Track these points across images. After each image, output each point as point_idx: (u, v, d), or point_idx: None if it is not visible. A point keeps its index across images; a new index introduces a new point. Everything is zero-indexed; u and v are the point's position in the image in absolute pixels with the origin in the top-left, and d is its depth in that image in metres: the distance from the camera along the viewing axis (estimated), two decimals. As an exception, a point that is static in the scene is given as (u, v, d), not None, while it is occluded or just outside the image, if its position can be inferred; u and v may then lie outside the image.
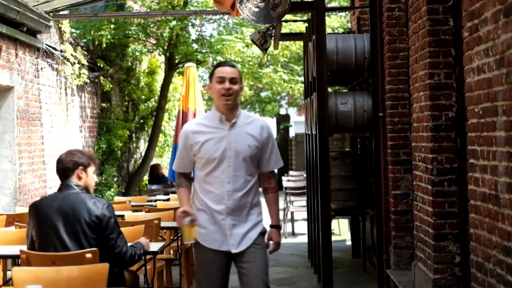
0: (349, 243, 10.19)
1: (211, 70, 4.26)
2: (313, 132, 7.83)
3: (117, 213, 7.30)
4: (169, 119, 16.36)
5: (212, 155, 4.12)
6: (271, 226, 4.31)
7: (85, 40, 12.21)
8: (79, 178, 4.36)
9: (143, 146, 15.75)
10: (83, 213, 4.20)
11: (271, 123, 29.35)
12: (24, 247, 4.43)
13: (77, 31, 12.03)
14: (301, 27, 12.68)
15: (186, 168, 4.33)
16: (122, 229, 5.12)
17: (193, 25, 14.83)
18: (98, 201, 4.29)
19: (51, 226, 4.22)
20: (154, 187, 13.14)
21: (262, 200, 4.34)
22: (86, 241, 4.21)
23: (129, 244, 4.48)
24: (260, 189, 4.38)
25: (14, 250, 4.74)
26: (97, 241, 4.23)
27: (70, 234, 4.20)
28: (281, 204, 15.59)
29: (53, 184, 9.86)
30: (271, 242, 4.28)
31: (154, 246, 4.98)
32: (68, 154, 4.41)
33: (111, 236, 4.27)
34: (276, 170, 4.43)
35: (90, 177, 4.42)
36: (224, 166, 4.12)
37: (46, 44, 9.78)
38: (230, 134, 4.15)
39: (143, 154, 15.14)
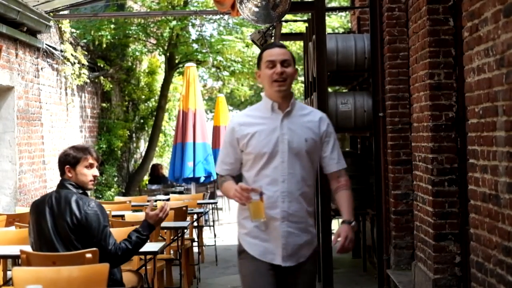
0: (349, 243, 10.17)
1: (258, 55, 3.68)
2: (313, 132, 7.81)
3: (117, 213, 7.36)
4: (169, 119, 16.38)
5: (262, 149, 3.52)
6: (342, 222, 3.59)
7: (85, 40, 12.21)
8: (69, 177, 4.33)
9: (143, 146, 15.76)
10: (66, 215, 4.20)
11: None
12: (24, 247, 4.43)
13: (77, 31, 12.03)
14: (301, 27, 12.70)
15: (234, 169, 3.67)
16: (122, 229, 5.15)
17: (193, 25, 14.85)
18: (83, 202, 4.22)
19: (44, 226, 4.25)
20: (154, 187, 13.15)
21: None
22: (69, 242, 4.21)
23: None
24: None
25: (14, 250, 4.74)
26: (82, 242, 4.21)
27: (57, 235, 4.22)
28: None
29: (53, 184, 9.86)
30: (338, 239, 3.53)
31: (154, 246, 4.97)
32: (61, 153, 4.40)
33: (94, 240, 4.22)
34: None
35: (80, 174, 4.31)
36: (277, 162, 3.52)
37: (46, 44, 9.78)
38: (283, 125, 3.55)
39: (143, 154, 15.15)
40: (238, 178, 3.71)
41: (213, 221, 11.60)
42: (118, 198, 9.54)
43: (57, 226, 4.21)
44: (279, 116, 3.56)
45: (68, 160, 4.31)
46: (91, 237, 4.20)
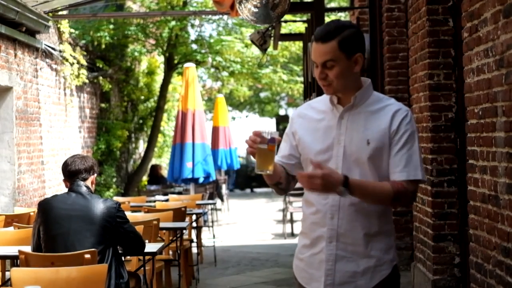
0: (348, 243, 10.15)
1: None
2: (313, 133, 7.81)
3: (116, 213, 7.35)
4: (168, 119, 16.37)
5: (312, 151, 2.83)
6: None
7: (84, 41, 12.20)
8: (92, 183, 4.48)
9: (142, 146, 15.76)
10: (99, 212, 4.29)
11: (270, 124, 29.34)
12: (23, 248, 4.42)
13: (76, 31, 12.02)
14: (300, 27, 12.69)
15: (288, 165, 2.90)
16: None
17: (192, 26, 14.85)
18: (109, 201, 4.42)
19: (63, 225, 4.26)
20: (153, 187, 13.14)
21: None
22: (98, 240, 4.26)
23: None
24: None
25: (13, 250, 4.72)
26: (113, 238, 4.32)
27: (84, 233, 4.26)
28: (280, 205, 15.61)
29: (51, 184, 9.85)
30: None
31: (153, 247, 4.97)
32: (82, 158, 4.49)
33: (129, 229, 4.42)
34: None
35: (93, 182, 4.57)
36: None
37: (45, 44, 9.77)
38: (341, 123, 2.79)
39: (142, 154, 15.14)
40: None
41: (212, 221, 11.59)
42: (116, 199, 9.53)
43: (85, 225, 4.26)
44: (338, 112, 2.82)
45: (96, 170, 4.52)
46: (126, 229, 4.38)
